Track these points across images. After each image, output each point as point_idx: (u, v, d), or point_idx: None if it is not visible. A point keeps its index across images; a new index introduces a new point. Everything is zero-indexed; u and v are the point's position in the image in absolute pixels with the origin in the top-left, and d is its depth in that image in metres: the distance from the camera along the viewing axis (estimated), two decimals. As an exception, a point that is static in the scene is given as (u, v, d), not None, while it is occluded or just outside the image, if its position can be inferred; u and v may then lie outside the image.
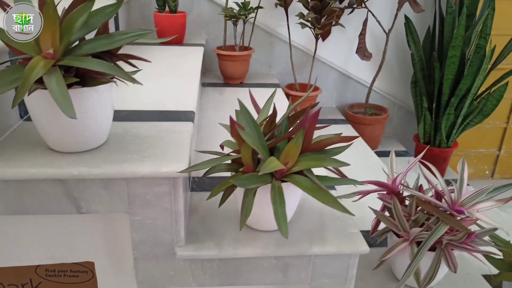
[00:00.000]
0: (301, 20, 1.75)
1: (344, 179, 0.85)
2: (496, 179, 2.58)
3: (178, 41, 1.79)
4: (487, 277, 1.09)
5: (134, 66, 0.77)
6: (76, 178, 0.72)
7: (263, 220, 0.85)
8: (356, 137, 0.81)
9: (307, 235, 0.86)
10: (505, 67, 2.08)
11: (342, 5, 1.92)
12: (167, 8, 1.78)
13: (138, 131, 0.87)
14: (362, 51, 1.86)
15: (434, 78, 1.96)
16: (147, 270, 0.83)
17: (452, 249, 0.90)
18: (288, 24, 1.88)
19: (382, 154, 2.11)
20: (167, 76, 1.26)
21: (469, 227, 0.94)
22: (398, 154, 2.09)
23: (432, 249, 0.92)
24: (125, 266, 0.86)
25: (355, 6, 1.83)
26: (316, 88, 1.98)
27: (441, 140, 2.03)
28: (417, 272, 0.88)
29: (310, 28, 1.79)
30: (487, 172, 2.57)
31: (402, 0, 1.76)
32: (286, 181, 0.79)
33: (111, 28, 1.61)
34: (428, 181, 0.94)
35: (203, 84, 1.86)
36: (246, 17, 1.77)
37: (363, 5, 1.86)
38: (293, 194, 0.84)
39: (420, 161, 1.03)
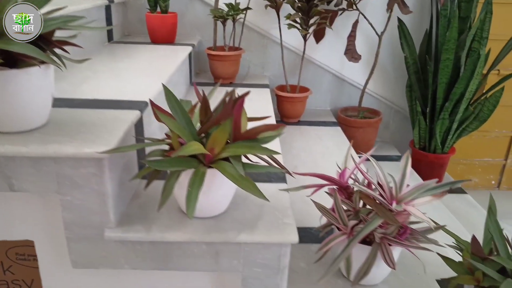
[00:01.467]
0: (289, 21, 1.77)
1: (273, 167, 0.85)
2: (503, 189, 2.47)
3: (169, 41, 1.84)
4: (444, 279, 1.05)
5: (66, 51, 0.81)
6: (2, 155, 0.76)
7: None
8: (282, 125, 0.81)
9: (238, 223, 0.87)
10: (503, 72, 2.01)
11: (331, 7, 1.92)
12: (159, 9, 1.83)
13: (83, 118, 0.90)
14: (351, 53, 1.85)
15: (429, 82, 1.92)
16: (79, 250, 0.86)
17: (390, 245, 0.88)
18: (280, 26, 1.89)
19: (375, 158, 2.07)
20: (140, 70, 1.30)
21: (412, 224, 0.92)
22: (391, 159, 2.05)
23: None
24: (62, 246, 0.89)
25: (344, 8, 1.82)
26: (306, 89, 1.98)
27: (436, 146, 1.98)
28: (348, 263, 0.86)
29: (298, 29, 1.80)
30: (493, 182, 2.48)
31: (391, 2, 1.74)
32: (213, 168, 0.80)
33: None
34: (363, 174, 0.93)
35: (192, 84, 1.89)
36: (234, 18, 1.79)
37: (355, 7, 1.85)
38: (224, 182, 0.85)
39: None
